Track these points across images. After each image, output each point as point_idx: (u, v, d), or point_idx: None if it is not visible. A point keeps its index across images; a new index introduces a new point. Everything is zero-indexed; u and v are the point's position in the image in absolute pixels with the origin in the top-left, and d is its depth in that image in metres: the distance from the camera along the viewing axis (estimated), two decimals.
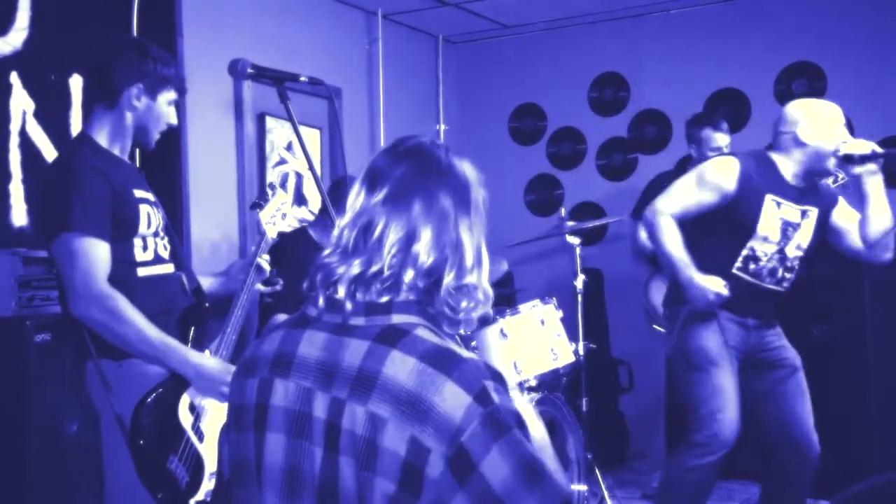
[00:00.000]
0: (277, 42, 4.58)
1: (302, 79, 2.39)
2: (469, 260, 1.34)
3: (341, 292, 1.33)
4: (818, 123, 3.08)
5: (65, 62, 3.53)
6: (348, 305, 1.32)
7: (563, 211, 4.38)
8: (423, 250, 1.31)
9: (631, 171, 5.62)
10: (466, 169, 1.40)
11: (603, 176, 5.71)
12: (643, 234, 4.22)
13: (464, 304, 1.34)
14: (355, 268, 1.32)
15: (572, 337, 3.80)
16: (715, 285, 3.01)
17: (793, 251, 3.16)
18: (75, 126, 3.54)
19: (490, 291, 1.38)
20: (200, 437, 2.40)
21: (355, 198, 1.37)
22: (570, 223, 4.17)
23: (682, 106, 5.32)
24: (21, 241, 3.25)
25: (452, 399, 1.21)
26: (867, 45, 4.89)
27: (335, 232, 1.38)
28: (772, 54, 5.12)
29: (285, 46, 4.62)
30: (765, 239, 3.10)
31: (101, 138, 2.44)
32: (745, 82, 5.24)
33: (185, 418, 2.38)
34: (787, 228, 3.12)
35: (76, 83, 3.57)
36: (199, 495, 2.36)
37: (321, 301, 1.36)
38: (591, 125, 5.73)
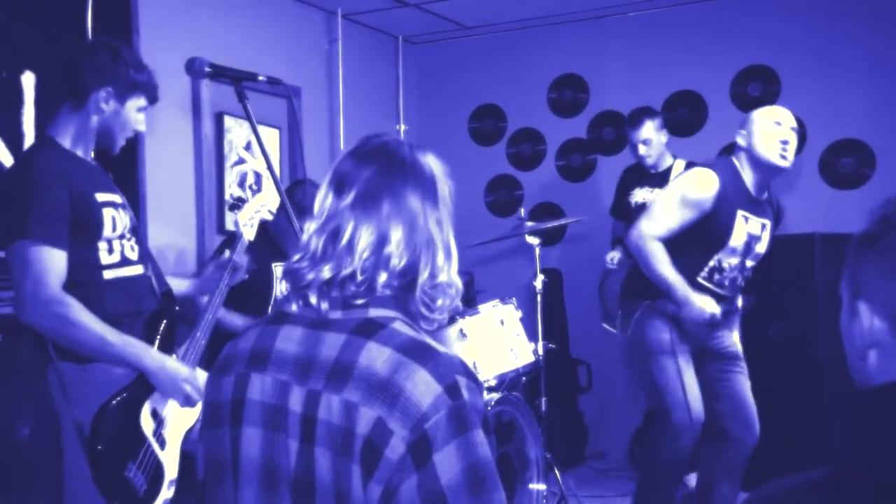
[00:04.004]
0: (236, 41, 4.54)
1: (260, 78, 2.37)
2: (440, 257, 1.35)
3: (313, 298, 1.32)
4: (769, 136, 3.20)
5: (17, 59, 3.46)
6: (323, 305, 1.32)
7: (522, 211, 4.40)
8: (396, 252, 1.31)
9: (590, 172, 5.66)
10: (431, 163, 1.39)
11: (562, 177, 5.74)
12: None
13: (439, 301, 1.35)
14: (325, 272, 1.31)
15: (532, 337, 3.82)
16: (710, 306, 3.16)
17: (751, 261, 3.34)
18: (27, 124, 3.47)
19: (460, 285, 1.39)
20: (162, 445, 2.36)
21: (322, 202, 1.36)
22: (530, 224, 4.19)
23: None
24: None
25: (423, 386, 1.21)
26: (821, 49, 4.98)
27: (304, 237, 1.37)
28: (728, 57, 5.20)
29: (244, 45, 4.58)
30: (732, 251, 3.25)
31: (65, 140, 2.40)
32: (701, 85, 5.31)
33: (147, 425, 2.34)
34: (752, 241, 3.28)
35: (28, 81, 3.50)
36: (157, 503, 2.32)
37: (293, 304, 1.36)
38: (551, 126, 5.76)
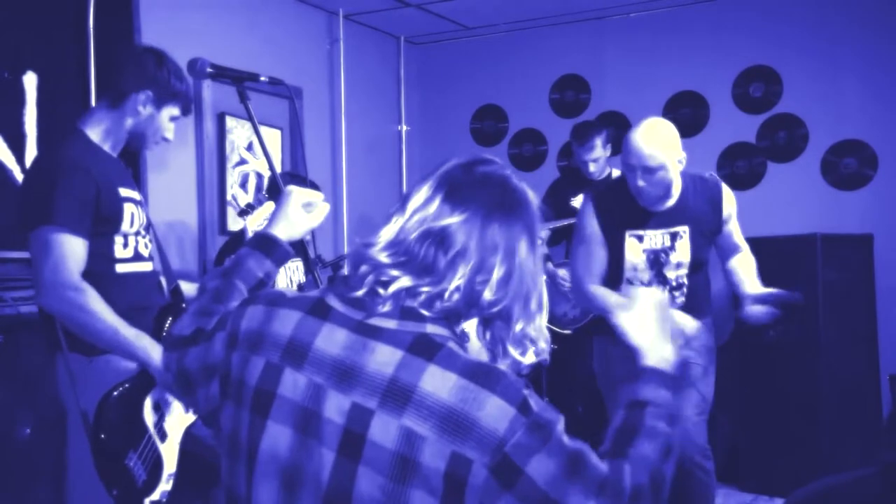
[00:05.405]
0: (237, 41, 4.55)
1: (262, 78, 2.37)
2: (534, 304, 1.33)
3: (389, 290, 1.26)
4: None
5: (18, 59, 3.46)
6: (387, 307, 1.26)
7: None
8: (491, 287, 1.28)
9: None
10: (535, 203, 1.36)
11: (564, 177, 5.74)
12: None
13: (516, 352, 1.33)
14: (411, 281, 1.27)
15: None
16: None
17: (673, 272, 3.16)
18: (29, 124, 3.48)
19: (547, 335, 1.36)
20: (162, 437, 2.38)
21: (425, 201, 1.30)
22: None
23: (642, 108, 5.35)
24: None
25: (496, 412, 1.19)
26: (823, 49, 4.97)
27: (390, 228, 1.32)
28: (730, 58, 5.20)
29: (245, 46, 4.58)
30: (635, 269, 3.17)
31: (94, 134, 2.43)
32: (703, 85, 5.30)
33: (149, 416, 2.36)
34: (659, 256, 3.16)
35: (30, 81, 3.51)
36: (155, 495, 2.34)
37: (358, 292, 1.29)
38: (552, 127, 5.76)
